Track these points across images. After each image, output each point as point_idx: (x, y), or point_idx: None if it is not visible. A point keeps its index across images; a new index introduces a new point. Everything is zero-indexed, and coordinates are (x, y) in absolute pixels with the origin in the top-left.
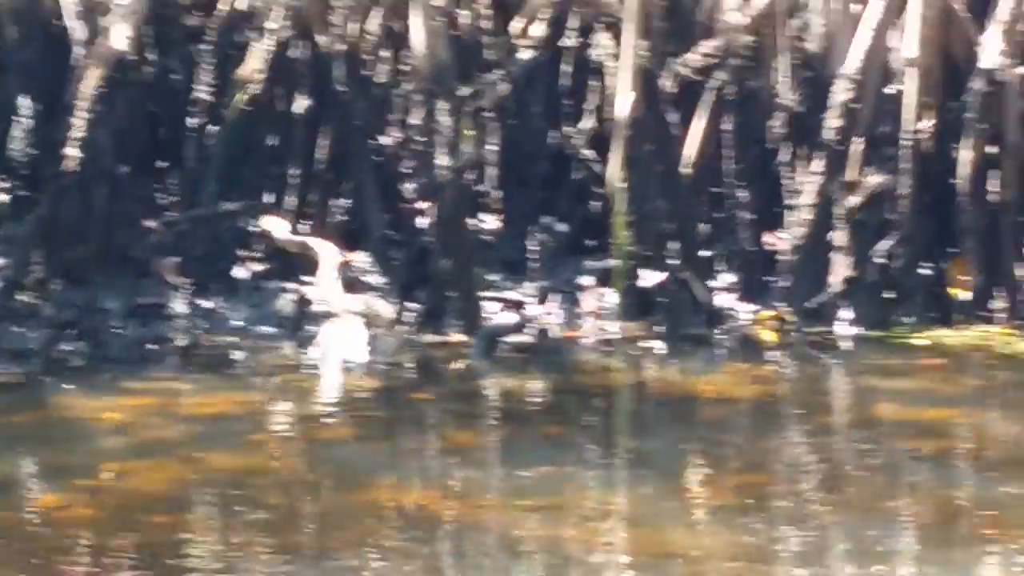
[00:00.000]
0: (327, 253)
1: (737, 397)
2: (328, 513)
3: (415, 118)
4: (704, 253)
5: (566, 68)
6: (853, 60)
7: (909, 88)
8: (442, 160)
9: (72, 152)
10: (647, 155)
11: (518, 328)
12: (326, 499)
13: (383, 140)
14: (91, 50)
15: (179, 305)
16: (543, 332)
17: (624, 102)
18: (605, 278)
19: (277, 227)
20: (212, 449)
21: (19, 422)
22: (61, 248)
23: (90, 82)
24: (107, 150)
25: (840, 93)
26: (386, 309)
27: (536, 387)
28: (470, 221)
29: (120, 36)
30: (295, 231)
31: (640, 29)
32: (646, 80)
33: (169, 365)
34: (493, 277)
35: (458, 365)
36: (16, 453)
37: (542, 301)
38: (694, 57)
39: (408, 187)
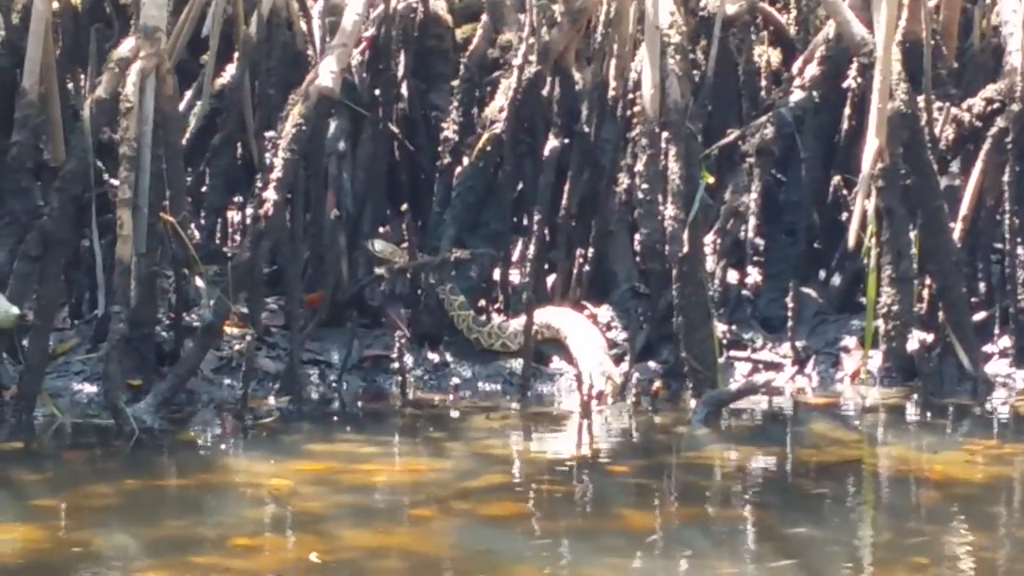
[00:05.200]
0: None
1: (964, 480)
2: None
3: (641, 163)
4: (977, 316)
5: (845, 111)
6: None
7: None
8: (670, 210)
9: (270, 195)
10: (907, 207)
11: (748, 393)
12: None
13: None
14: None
15: (404, 358)
16: (789, 398)
17: (870, 150)
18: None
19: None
20: (360, 524)
21: (176, 486)
22: (263, 295)
23: (292, 120)
24: (323, 191)
25: None
26: (615, 370)
27: (750, 462)
28: (731, 275)
29: (327, 73)
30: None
31: (888, 70)
32: (907, 126)
33: (369, 425)
34: (749, 335)
35: (678, 433)
36: (149, 522)
37: (799, 363)
38: (976, 102)
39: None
